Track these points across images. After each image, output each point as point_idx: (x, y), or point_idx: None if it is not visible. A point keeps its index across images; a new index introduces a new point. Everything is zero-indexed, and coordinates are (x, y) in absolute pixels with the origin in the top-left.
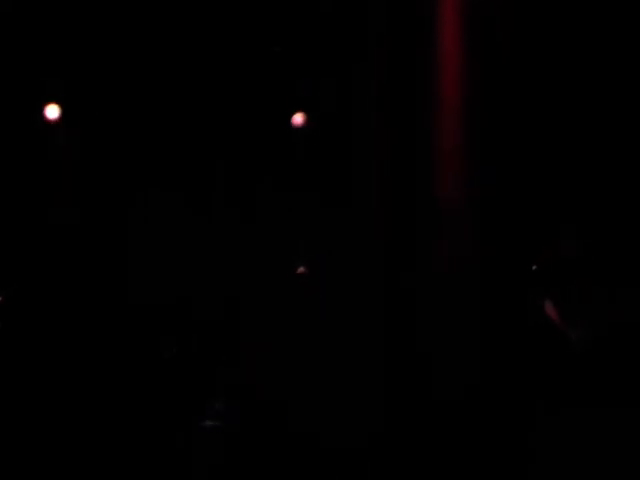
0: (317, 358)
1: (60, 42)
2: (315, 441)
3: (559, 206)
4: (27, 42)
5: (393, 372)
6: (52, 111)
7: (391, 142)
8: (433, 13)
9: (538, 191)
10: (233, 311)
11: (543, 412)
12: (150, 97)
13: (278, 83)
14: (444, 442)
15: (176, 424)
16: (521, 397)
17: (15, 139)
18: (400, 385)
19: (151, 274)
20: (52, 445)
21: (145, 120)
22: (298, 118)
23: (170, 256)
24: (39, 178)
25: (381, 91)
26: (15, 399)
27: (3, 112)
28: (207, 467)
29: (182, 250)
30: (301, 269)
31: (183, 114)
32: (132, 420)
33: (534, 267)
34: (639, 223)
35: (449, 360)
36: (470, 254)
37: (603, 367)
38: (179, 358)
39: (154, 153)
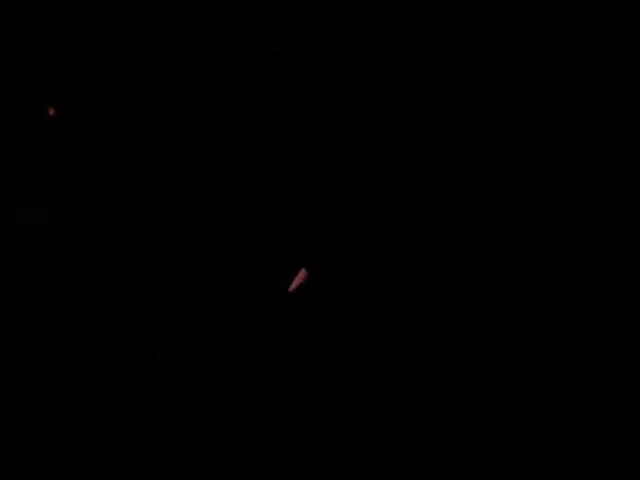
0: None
1: (60, 42)
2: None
3: (550, 206)
4: (27, 42)
5: (381, 375)
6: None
7: (387, 143)
8: None
9: (529, 191)
10: (232, 312)
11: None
12: (150, 97)
13: (278, 83)
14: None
15: (173, 426)
16: (511, 400)
17: (14, 139)
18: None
19: (150, 275)
20: (50, 446)
21: (145, 120)
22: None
23: (169, 256)
24: (39, 178)
25: (380, 92)
26: (13, 402)
27: (3, 112)
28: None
29: (182, 250)
30: (299, 279)
31: (183, 114)
32: (130, 422)
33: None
34: (633, 222)
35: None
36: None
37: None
38: (175, 362)
39: (154, 153)
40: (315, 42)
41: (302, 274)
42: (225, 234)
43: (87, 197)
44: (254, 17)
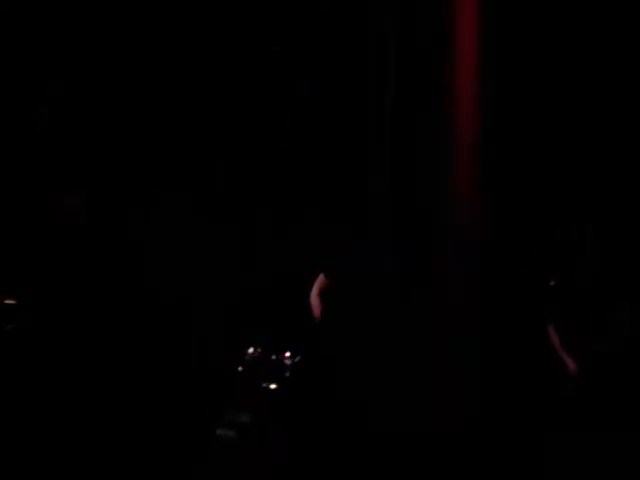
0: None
1: (60, 42)
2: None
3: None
4: (27, 42)
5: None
6: None
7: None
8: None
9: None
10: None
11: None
12: (150, 97)
13: (278, 83)
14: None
15: (189, 431)
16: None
17: (17, 140)
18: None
19: (152, 275)
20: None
21: (145, 120)
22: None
23: (171, 256)
24: (39, 181)
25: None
26: (25, 402)
27: (3, 112)
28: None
29: (183, 250)
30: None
31: (183, 114)
32: (142, 425)
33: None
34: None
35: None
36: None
37: (602, 388)
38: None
39: (154, 153)
40: (315, 42)
41: (321, 279)
42: (226, 234)
43: (86, 196)
44: (254, 17)
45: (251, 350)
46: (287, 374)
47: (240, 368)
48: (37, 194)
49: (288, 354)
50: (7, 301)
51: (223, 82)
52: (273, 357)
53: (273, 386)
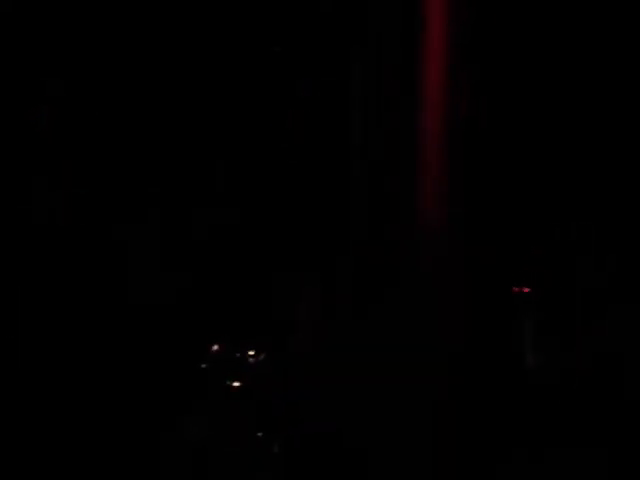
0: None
1: (60, 42)
2: None
3: (550, 207)
4: (27, 42)
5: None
6: None
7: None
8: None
9: (530, 193)
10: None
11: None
12: (150, 97)
13: (278, 83)
14: None
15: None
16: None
17: (15, 141)
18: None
19: (148, 276)
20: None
21: (145, 120)
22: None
23: (167, 258)
24: (38, 177)
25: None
26: (17, 403)
27: (3, 112)
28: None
29: (181, 249)
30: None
31: (183, 114)
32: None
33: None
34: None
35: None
36: (454, 265)
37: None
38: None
39: (154, 153)
40: (315, 42)
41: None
42: (224, 235)
43: (86, 197)
44: (254, 17)
45: (215, 347)
46: (251, 372)
47: (203, 365)
48: (37, 194)
49: (252, 352)
50: None
51: (223, 82)
52: (237, 354)
53: (236, 384)
